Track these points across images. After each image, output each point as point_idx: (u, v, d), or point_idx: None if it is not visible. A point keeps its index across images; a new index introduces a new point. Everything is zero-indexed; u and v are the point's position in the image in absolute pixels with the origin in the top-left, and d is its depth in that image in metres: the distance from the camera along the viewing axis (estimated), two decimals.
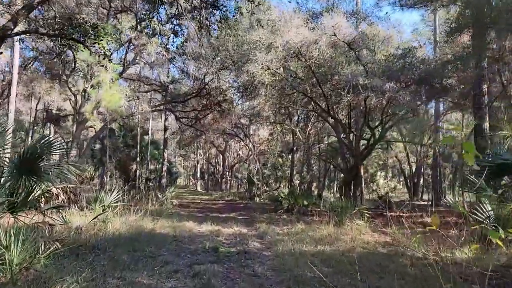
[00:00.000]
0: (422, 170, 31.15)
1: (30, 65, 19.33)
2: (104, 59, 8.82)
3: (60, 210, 7.56)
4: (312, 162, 28.11)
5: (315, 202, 17.60)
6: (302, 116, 26.39)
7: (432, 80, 12.54)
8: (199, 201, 23.86)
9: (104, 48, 7.81)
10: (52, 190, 6.76)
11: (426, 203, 27.19)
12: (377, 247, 8.71)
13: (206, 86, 17.08)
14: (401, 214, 16.46)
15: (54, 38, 8.72)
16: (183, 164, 69.18)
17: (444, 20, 26.03)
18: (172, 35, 15.28)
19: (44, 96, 16.52)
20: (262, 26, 12.96)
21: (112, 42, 8.07)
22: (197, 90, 17.20)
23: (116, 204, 11.04)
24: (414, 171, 29.56)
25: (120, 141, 30.14)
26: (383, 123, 14.98)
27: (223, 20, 9.97)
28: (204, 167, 47.89)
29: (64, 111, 24.00)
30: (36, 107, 25.68)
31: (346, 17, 12.78)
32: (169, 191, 18.38)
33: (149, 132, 26.14)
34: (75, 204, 9.07)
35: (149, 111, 17.12)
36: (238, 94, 18.17)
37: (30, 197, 6.20)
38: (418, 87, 12.77)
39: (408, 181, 29.35)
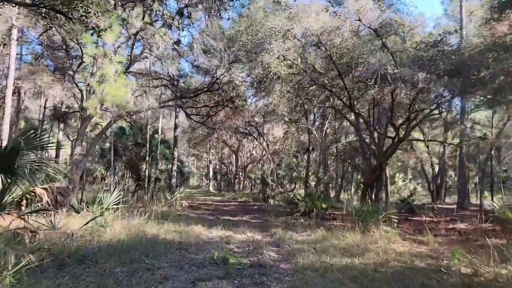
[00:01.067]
0: (445, 171, 29.55)
1: (38, 59, 18.60)
2: (99, 36, 7.84)
3: (45, 214, 6.54)
4: (328, 162, 26.82)
5: (334, 205, 16.41)
6: (319, 114, 25.17)
7: (467, 71, 11.22)
8: (210, 203, 22.84)
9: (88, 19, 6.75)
10: (35, 190, 5.71)
11: (450, 206, 25.67)
12: (413, 260, 7.46)
13: (218, 81, 16.02)
14: (429, 219, 15.20)
15: (34, 8, 7.69)
16: (196, 164, 68.54)
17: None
18: (181, 28, 14.25)
19: (46, 90, 15.72)
20: (278, 10, 11.81)
21: (102, 15, 7.07)
22: (208, 85, 16.15)
23: (117, 206, 10.05)
24: (437, 172, 28.01)
25: (130, 140, 29.39)
26: (410, 119, 13.65)
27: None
28: (217, 167, 46.94)
29: (72, 108, 23.27)
30: (45, 105, 25.03)
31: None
32: (178, 192, 17.36)
33: (159, 131, 25.19)
34: (63, 207, 8.07)
35: (157, 106, 16.10)
36: (252, 90, 17.08)
37: (5, 199, 5.18)
38: (451, 79, 11.44)
39: (431, 183, 27.76)
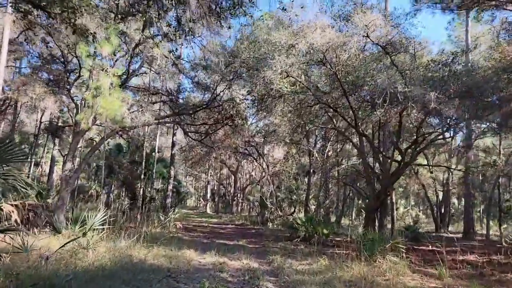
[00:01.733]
0: (449, 199, 28.70)
1: (35, 72, 18.13)
2: (87, 37, 7.29)
3: (12, 234, 5.80)
4: (329, 186, 26.02)
5: (336, 231, 15.57)
6: (320, 136, 24.57)
7: (480, 94, 10.64)
8: (206, 225, 21.95)
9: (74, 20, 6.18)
10: (2, 207, 4.98)
11: (455, 235, 24.71)
12: None
13: (218, 97, 15.47)
14: (435, 248, 14.33)
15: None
16: (194, 185, 67.62)
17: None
18: (181, 42, 13.79)
19: (38, 102, 15.15)
20: (282, 26, 11.33)
21: (86, 11, 6.50)
22: (207, 101, 15.59)
23: (103, 226, 9.28)
24: (441, 199, 27.18)
25: (126, 158, 28.72)
26: (417, 143, 12.98)
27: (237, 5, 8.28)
28: (215, 188, 46.02)
29: (67, 123, 22.67)
30: (41, 119, 24.48)
31: (380, 15, 11.01)
32: (173, 212, 16.54)
33: (156, 148, 24.52)
34: (34, 227, 7.31)
35: (153, 122, 15.48)
36: (253, 108, 16.49)
37: None
38: (462, 101, 10.85)
39: (434, 210, 26.87)
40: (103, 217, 8.76)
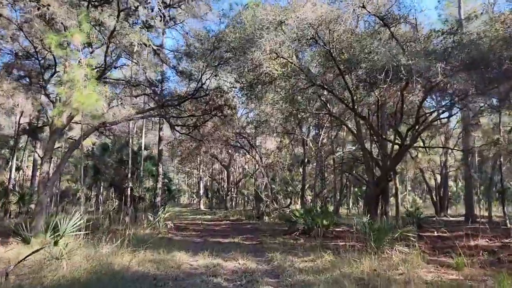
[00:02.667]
0: (447, 182, 28.06)
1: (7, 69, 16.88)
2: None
3: None
4: (325, 175, 25.21)
5: (337, 221, 14.75)
6: (314, 123, 23.69)
7: (487, 65, 9.78)
8: (200, 222, 20.97)
9: None
10: None
11: (456, 219, 24.10)
12: None
13: (204, 86, 14.43)
14: (442, 234, 13.57)
15: None
16: (187, 182, 66.51)
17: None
18: (162, 28, 12.71)
19: (5, 100, 13.98)
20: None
21: None
22: (193, 91, 14.54)
23: (80, 232, 8.28)
24: (439, 182, 26.52)
25: (113, 157, 27.56)
26: (418, 123, 12.09)
27: None
28: (208, 184, 45.02)
29: (45, 123, 21.41)
30: (19, 121, 23.17)
31: None
32: (162, 211, 15.55)
33: (143, 145, 23.37)
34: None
35: (135, 116, 14.42)
36: (242, 96, 15.49)
37: None
38: (469, 73, 9.96)
39: (433, 194, 26.22)
40: (77, 221, 7.73)
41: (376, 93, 10.82)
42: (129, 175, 22.07)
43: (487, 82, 10.54)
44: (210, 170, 41.97)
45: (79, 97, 11.40)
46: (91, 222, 10.84)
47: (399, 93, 11.63)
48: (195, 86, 14.58)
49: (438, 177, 27.25)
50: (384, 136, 13.26)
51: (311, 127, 25.58)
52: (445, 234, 13.15)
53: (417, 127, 12.10)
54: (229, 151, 29.57)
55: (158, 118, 18.06)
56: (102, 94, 12.28)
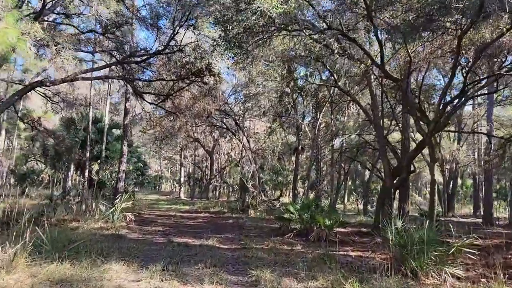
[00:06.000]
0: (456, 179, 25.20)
1: None
2: None
3: None
4: (321, 165, 22.11)
5: (342, 222, 11.61)
6: (312, 104, 20.45)
7: None
8: (173, 214, 17.71)
9: None
10: None
11: (466, 220, 21.31)
12: None
13: (176, 39, 11.07)
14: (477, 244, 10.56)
15: None
16: (170, 168, 63.23)
17: None
18: None
19: None
20: None
21: None
22: (164, 45, 11.16)
23: None
24: (448, 179, 23.68)
25: (81, 135, 24.02)
26: (465, 92, 8.79)
27: None
28: (190, 170, 41.58)
29: None
30: None
31: None
32: (120, 200, 12.22)
33: (106, 119, 19.72)
34: None
35: (83, 74, 10.97)
36: (228, 58, 12.15)
37: None
38: None
39: (441, 191, 23.35)
40: None
41: (412, 46, 7.63)
42: (87, 155, 18.60)
43: None
44: (193, 156, 38.49)
45: None
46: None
47: (439, 51, 8.45)
48: (166, 38, 11.17)
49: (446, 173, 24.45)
50: (419, 111, 9.87)
51: (306, 110, 22.38)
52: (478, 242, 10.16)
53: (463, 96, 8.83)
54: (213, 134, 26.20)
55: (123, 83, 14.59)
56: (28, 34, 8.82)
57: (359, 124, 21.09)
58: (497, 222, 18.79)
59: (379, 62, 8.76)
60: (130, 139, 24.01)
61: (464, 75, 8.33)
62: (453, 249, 6.12)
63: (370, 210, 22.68)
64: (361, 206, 24.91)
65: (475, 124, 20.67)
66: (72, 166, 28.28)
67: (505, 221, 20.24)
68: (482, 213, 25.95)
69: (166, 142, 23.27)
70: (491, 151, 15.92)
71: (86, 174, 18.20)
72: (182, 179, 36.86)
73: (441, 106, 8.85)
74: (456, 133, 22.25)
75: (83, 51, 11.76)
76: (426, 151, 12.44)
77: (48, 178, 31.42)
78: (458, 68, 9.01)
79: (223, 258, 7.54)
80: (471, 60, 8.02)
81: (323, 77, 17.71)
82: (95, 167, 22.63)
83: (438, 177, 25.37)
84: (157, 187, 57.03)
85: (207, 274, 5.94)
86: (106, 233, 9.94)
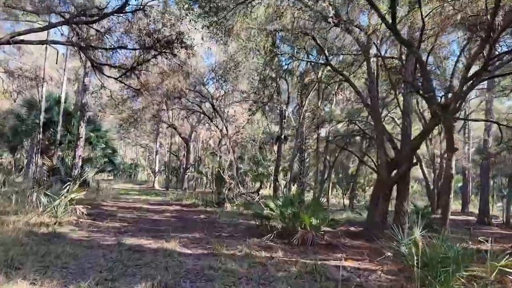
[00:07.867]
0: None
1: None
2: None
3: None
4: (305, 156, 20.43)
5: (332, 220, 9.95)
6: (298, 88, 18.67)
7: None
8: (139, 206, 15.77)
9: None
10: None
11: (458, 217, 20.11)
12: None
13: None
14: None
15: None
16: (147, 157, 60.79)
17: None
18: None
19: None
20: None
21: None
22: (123, 3, 9.18)
23: None
24: (437, 175, 22.40)
25: (44, 117, 21.69)
26: (487, 69, 7.16)
27: None
28: (166, 159, 39.33)
29: None
30: None
31: None
32: (69, 190, 10.23)
33: (63, 98, 17.40)
34: None
35: (19, 35, 8.88)
36: (202, 27, 10.26)
37: None
38: None
39: (430, 188, 22.07)
40: None
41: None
42: (41, 135, 16.37)
43: None
44: (169, 143, 36.26)
45: None
46: None
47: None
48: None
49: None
50: (423, 92, 8.15)
51: (291, 97, 20.61)
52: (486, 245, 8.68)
53: (482, 73, 7.17)
54: (190, 119, 24.15)
55: (75, 51, 12.47)
56: None
57: (348, 111, 19.45)
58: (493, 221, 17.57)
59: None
60: (96, 122, 21.85)
61: (489, 44, 6.67)
62: (495, 271, 4.44)
63: (358, 206, 21.22)
64: (346, 201, 23.41)
65: (472, 113, 19.27)
66: (35, 150, 25.89)
67: (498, 219, 19.07)
68: (469, 210, 25.16)
69: (134, 126, 21.06)
70: (490, 145, 14.56)
71: (47, 160, 15.92)
72: (157, 168, 34.66)
73: (463, 81, 7.16)
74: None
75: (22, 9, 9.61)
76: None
77: (11, 163, 28.88)
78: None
79: (182, 270, 5.75)
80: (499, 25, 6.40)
81: (312, 59, 15.99)
82: (58, 152, 20.39)
83: (430, 173, 24.19)
84: (133, 176, 54.51)
85: None
86: (41, 232, 7.98)
